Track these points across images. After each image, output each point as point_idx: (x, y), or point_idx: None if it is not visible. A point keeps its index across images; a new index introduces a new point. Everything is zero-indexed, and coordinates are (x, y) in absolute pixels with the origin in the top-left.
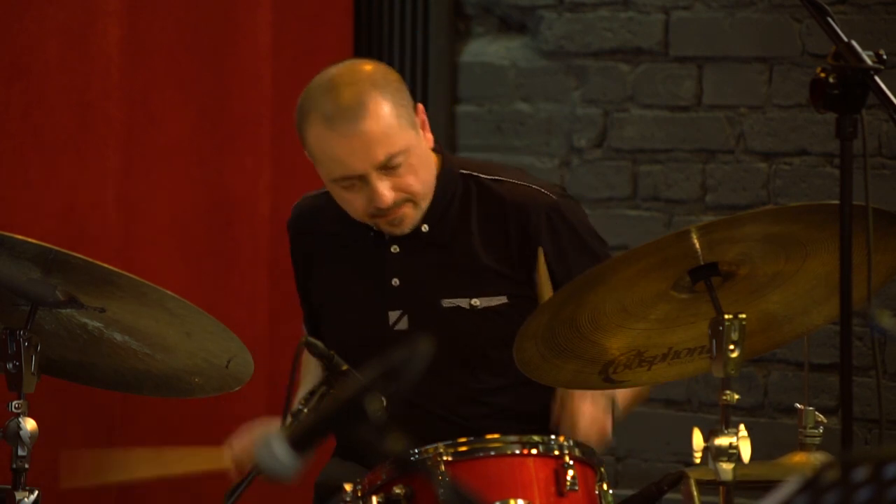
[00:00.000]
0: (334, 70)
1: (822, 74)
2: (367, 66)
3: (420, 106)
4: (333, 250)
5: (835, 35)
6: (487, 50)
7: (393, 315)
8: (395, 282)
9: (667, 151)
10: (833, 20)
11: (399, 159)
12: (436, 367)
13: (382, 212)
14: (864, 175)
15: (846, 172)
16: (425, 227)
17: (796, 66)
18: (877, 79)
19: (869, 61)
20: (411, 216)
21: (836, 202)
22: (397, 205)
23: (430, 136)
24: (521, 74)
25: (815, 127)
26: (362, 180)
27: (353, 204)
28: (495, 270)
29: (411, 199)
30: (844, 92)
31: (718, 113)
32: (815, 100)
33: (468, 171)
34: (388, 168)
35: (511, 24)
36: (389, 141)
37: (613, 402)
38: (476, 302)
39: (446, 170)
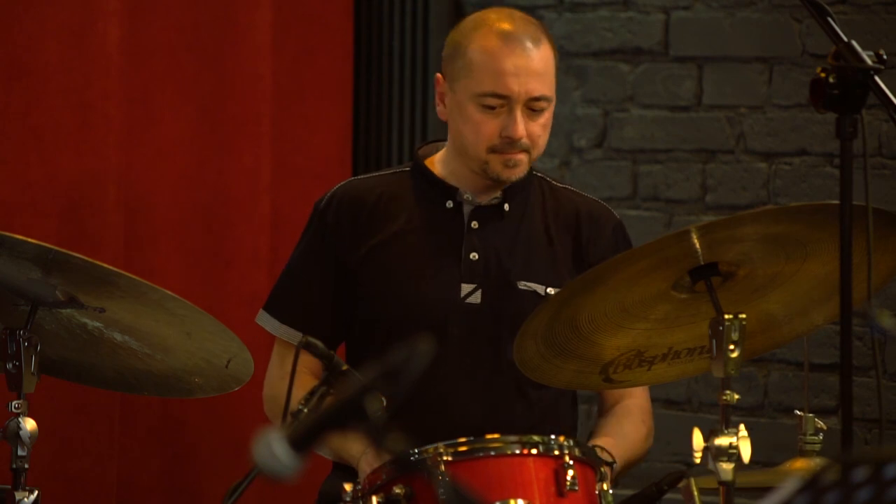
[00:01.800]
0: (506, 9)
1: (822, 74)
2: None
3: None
4: (400, 223)
5: (835, 35)
6: None
7: (466, 287)
8: (474, 256)
9: (667, 151)
10: (833, 20)
11: (544, 104)
12: (495, 345)
13: (510, 143)
14: (864, 175)
15: (846, 172)
16: (507, 207)
17: (796, 66)
18: (877, 79)
19: (869, 61)
20: (524, 165)
21: (836, 202)
22: (520, 146)
23: None
24: None
25: (815, 127)
26: (507, 105)
27: (482, 128)
28: (568, 268)
29: (529, 150)
30: (844, 92)
31: (718, 113)
32: (815, 100)
33: (541, 174)
34: (532, 108)
35: None
36: (548, 81)
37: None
38: (551, 291)
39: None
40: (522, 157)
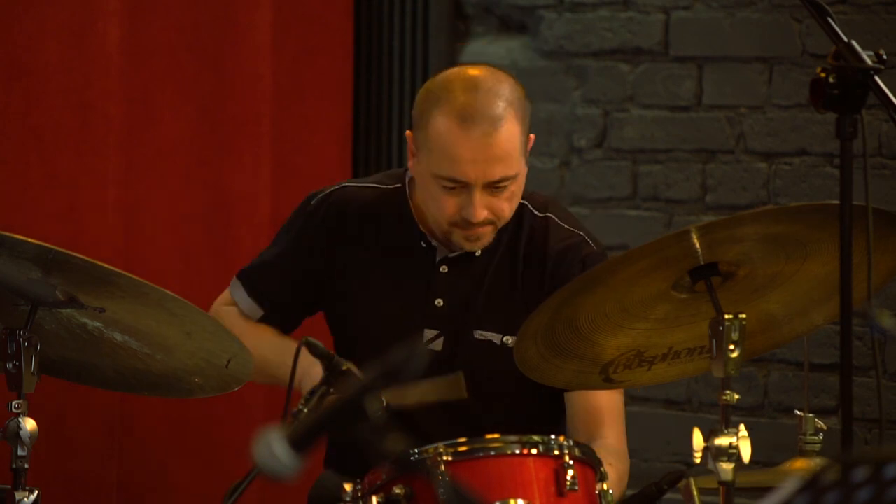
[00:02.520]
0: (475, 70)
1: (822, 74)
2: (509, 81)
3: (532, 136)
4: (375, 251)
5: (835, 35)
6: (487, 50)
7: (429, 333)
8: (439, 302)
9: (667, 151)
10: (833, 20)
11: (507, 183)
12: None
13: (467, 224)
14: (864, 175)
15: (846, 172)
16: (478, 253)
17: (796, 66)
18: (877, 79)
19: (869, 61)
20: (488, 237)
21: (836, 202)
22: (482, 224)
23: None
24: (521, 74)
25: (815, 127)
26: (465, 188)
27: (442, 204)
28: (531, 311)
29: (495, 223)
30: (844, 92)
31: (718, 113)
32: (815, 100)
33: (525, 201)
34: (493, 188)
35: (511, 24)
36: (509, 163)
37: None
38: (508, 340)
39: None
40: (485, 230)
